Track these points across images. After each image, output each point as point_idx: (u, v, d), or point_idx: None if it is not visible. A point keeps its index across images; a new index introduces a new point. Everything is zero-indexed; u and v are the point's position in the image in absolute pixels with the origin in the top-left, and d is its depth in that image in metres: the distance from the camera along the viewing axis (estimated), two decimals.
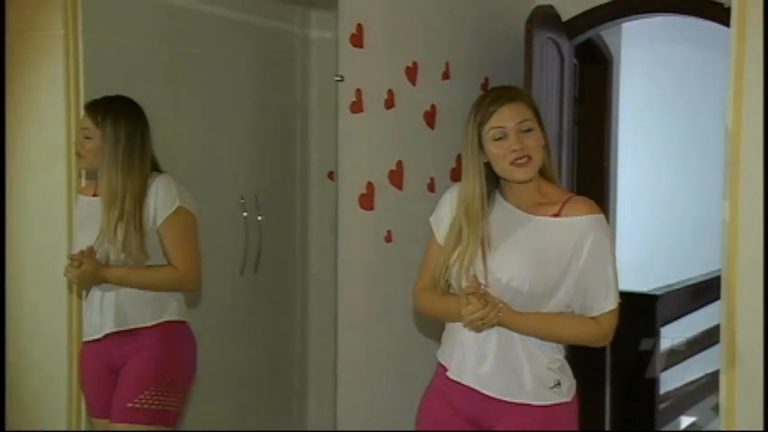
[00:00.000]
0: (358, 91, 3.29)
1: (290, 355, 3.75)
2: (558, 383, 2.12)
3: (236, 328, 3.50)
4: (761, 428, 2.36)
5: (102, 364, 2.61)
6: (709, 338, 4.69)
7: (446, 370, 2.18)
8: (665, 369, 4.97)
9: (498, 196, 2.17)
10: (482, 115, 2.10)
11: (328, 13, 3.34)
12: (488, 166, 2.13)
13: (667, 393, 5.10)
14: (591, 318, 2.11)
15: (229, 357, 3.47)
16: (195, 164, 3.27)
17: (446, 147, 3.58)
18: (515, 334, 2.08)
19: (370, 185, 3.35)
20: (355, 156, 3.31)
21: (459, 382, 2.14)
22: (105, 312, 2.57)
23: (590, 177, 4.80)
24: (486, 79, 3.89)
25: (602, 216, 2.12)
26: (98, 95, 2.81)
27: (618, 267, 5.01)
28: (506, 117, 2.07)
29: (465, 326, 2.08)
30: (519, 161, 2.05)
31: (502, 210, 2.15)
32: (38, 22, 2.89)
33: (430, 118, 3.57)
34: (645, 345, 4.73)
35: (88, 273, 2.50)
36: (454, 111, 3.58)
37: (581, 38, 4.27)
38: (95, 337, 2.59)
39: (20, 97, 2.94)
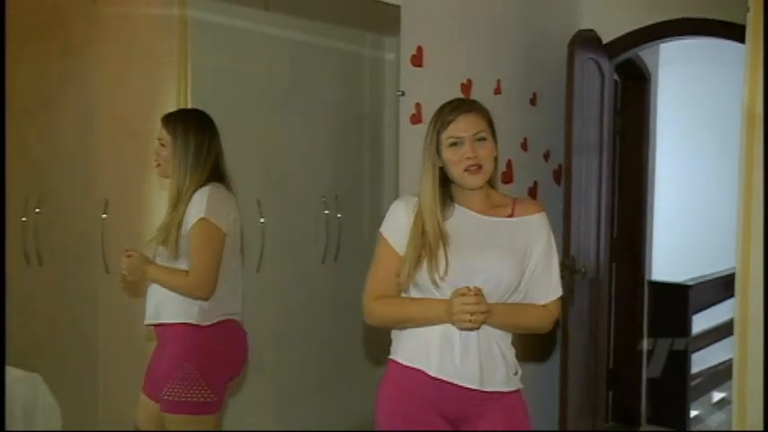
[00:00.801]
0: (417, 105, 3.28)
1: (365, 331, 3.72)
2: (516, 372, 2.10)
3: (318, 309, 3.54)
4: (761, 428, 2.31)
5: (158, 351, 2.60)
6: None
7: (413, 370, 2.05)
8: (695, 351, 4.97)
9: (454, 203, 2.11)
10: (441, 123, 2.06)
11: (393, 37, 3.35)
12: (443, 171, 2.07)
13: (699, 372, 5.08)
14: (542, 306, 2.09)
15: (312, 333, 3.52)
16: (286, 169, 3.34)
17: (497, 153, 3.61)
18: (490, 331, 2.02)
19: None
20: (415, 161, 3.31)
21: (439, 380, 2.03)
22: (149, 305, 2.56)
23: (630, 179, 4.80)
24: (534, 94, 3.89)
25: (545, 213, 2.12)
26: (207, 112, 2.87)
27: (655, 261, 5.03)
28: (462, 126, 2.03)
29: (456, 325, 1.97)
30: (471, 168, 2.02)
31: (462, 214, 2.09)
32: (153, 51, 2.98)
33: None
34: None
35: (135, 265, 2.50)
36: (505, 123, 3.55)
37: (621, 57, 4.26)
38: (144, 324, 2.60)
39: (139, 114, 3.04)
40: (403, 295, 2.11)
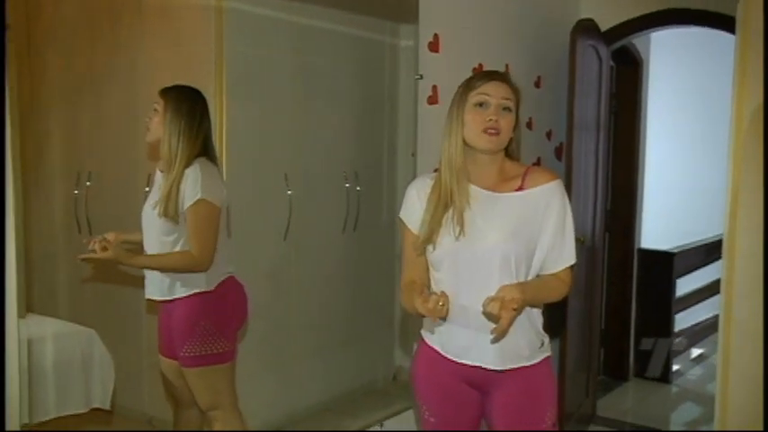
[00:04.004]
0: (434, 87, 3.27)
1: (379, 295, 3.75)
2: (543, 343, 1.97)
3: (339, 274, 3.56)
4: (761, 428, 2.13)
5: (165, 316, 2.56)
6: (716, 287, 4.73)
7: (431, 348, 1.98)
8: (678, 312, 4.99)
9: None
10: (471, 85, 1.90)
11: (411, 25, 3.33)
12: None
13: (681, 331, 5.12)
14: (553, 275, 1.91)
15: (334, 296, 3.53)
16: (311, 146, 3.32)
17: None
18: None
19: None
20: (431, 139, 3.28)
21: (463, 363, 1.93)
22: (155, 282, 2.49)
23: (623, 156, 4.78)
24: (539, 77, 3.87)
25: (559, 181, 1.92)
26: (240, 94, 2.91)
27: (645, 231, 5.01)
28: (492, 89, 1.87)
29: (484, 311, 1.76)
30: (490, 131, 1.84)
31: (470, 192, 1.90)
32: (192, 39, 2.96)
33: None
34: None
35: (113, 257, 2.33)
36: None
37: (617, 44, 4.23)
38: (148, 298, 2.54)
39: None
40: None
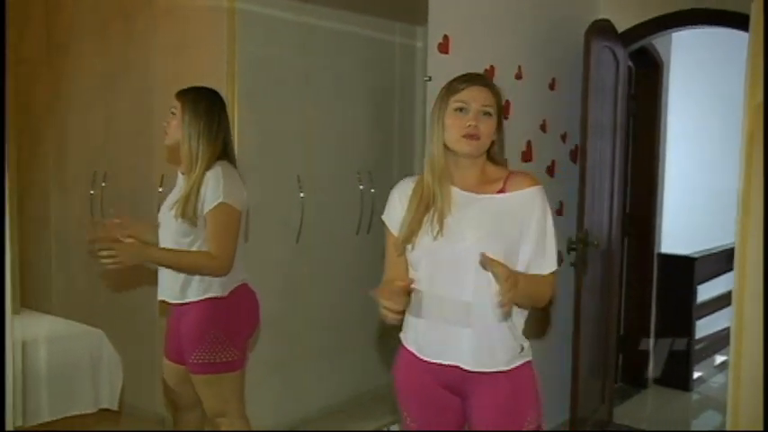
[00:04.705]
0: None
1: None
2: (522, 348, 1.95)
3: (352, 276, 3.53)
4: (761, 428, 2.12)
5: (174, 320, 2.53)
6: None
7: (407, 350, 1.98)
8: (700, 318, 4.91)
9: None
10: (452, 90, 1.91)
11: (421, 27, 3.30)
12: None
13: (703, 337, 5.04)
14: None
15: (346, 298, 3.52)
16: (323, 148, 3.33)
17: (518, 134, 3.54)
18: (488, 314, 1.86)
19: None
20: None
21: (440, 364, 1.92)
22: (168, 283, 2.47)
23: (643, 159, 4.73)
24: (553, 79, 3.81)
25: (541, 187, 1.93)
26: (252, 95, 2.92)
27: (664, 235, 4.93)
28: (471, 95, 1.88)
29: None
30: (468, 135, 1.86)
31: (452, 193, 1.92)
32: (204, 40, 2.98)
33: (504, 111, 3.50)
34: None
35: (135, 251, 2.35)
36: (525, 105, 3.55)
37: (635, 46, 4.16)
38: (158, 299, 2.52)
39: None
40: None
